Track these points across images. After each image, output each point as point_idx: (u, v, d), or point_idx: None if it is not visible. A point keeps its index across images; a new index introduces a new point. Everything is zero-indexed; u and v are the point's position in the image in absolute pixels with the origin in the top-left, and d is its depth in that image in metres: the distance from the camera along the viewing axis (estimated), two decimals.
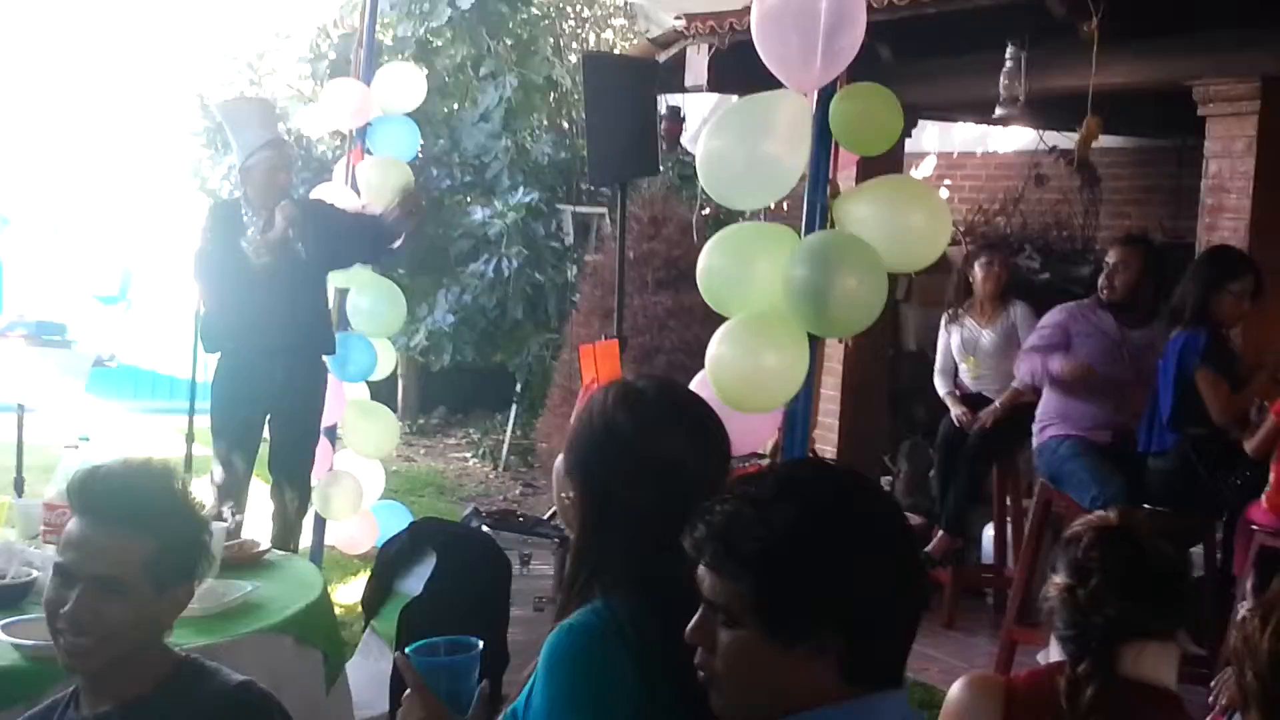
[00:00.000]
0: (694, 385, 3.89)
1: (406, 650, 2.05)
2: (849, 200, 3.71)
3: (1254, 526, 5.10)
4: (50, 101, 12.10)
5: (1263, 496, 5.25)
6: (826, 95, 3.66)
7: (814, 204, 3.67)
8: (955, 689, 2.47)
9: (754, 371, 3.64)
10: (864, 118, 3.66)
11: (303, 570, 4.10)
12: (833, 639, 1.60)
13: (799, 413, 3.73)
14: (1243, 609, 4.60)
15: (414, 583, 4.30)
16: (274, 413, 5.71)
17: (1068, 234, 8.63)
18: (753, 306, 3.67)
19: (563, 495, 2.18)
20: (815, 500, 1.67)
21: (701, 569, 1.68)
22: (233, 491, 5.56)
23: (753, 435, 3.87)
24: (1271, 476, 5.15)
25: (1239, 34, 5.50)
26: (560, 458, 2.20)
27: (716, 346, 3.69)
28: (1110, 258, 5.84)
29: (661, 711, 1.95)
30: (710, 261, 3.71)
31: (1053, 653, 2.56)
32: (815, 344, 3.72)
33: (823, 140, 3.66)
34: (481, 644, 2.08)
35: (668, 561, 1.97)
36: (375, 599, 4.48)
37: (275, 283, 5.41)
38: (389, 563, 4.44)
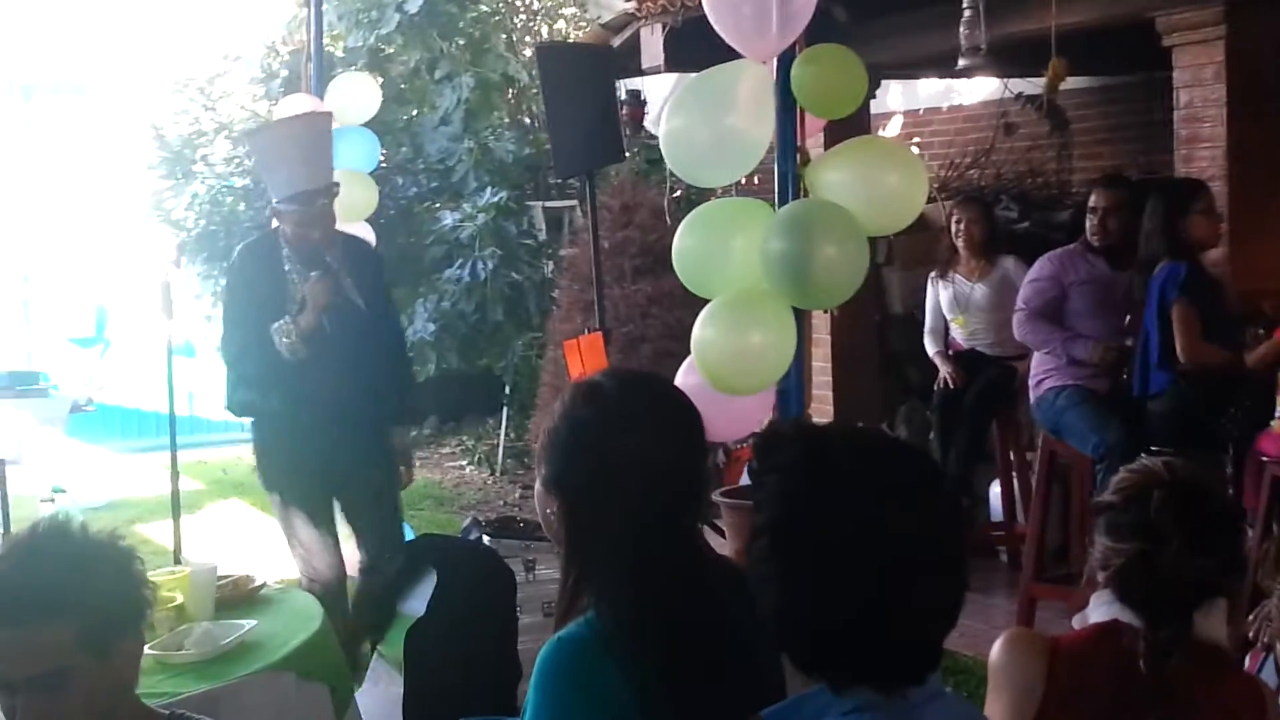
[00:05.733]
0: (681, 371, 3.79)
1: None
2: (821, 167, 3.61)
3: (1264, 458, 5.01)
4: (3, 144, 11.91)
5: (1272, 424, 5.17)
6: (786, 62, 3.55)
7: (785, 174, 3.57)
8: (996, 649, 2.36)
9: (741, 352, 3.53)
10: (828, 80, 3.56)
11: (301, 602, 4.00)
12: None
13: (792, 390, 3.63)
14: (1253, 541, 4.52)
15: (417, 603, 4.19)
16: (344, 492, 4.93)
17: (1042, 180, 8.55)
18: (732, 285, 3.56)
19: (547, 511, 2.09)
20: None
21: None
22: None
23: (745, 418, 3.75)
24: None
25: None
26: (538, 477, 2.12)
27: (701, 330, 3.59)
28: (1096, 201, 5.74)
29: None
30: (684, 243, 3.60)
31: (1092, 614, 2.43)
32: (801, 317, 3.61)
33: (787, 108, 3.56)
34: None
35: (656, 566, 1.91)
36: (380, 623, 4.37)
37: (331, 343, 4.66)
38: (390, 585, 4.33)
